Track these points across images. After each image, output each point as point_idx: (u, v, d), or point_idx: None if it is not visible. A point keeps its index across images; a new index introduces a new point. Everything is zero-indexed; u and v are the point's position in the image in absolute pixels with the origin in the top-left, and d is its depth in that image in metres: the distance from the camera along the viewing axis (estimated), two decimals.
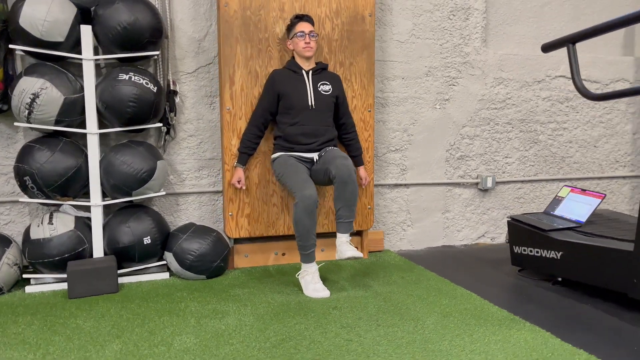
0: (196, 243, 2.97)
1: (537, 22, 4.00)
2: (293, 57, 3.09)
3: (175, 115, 3.25)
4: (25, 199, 2.87)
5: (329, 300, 2.61)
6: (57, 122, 2.85)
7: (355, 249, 2.72)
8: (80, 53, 2.95)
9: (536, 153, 4.01)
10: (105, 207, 3.17)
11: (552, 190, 4.08)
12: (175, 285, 2.89)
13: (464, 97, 3.80)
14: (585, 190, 3.03)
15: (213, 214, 3.42)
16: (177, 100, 3.24)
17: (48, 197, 2.88)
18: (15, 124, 2.81)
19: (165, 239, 3.07)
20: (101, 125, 3.09)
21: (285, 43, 3.16)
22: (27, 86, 2.76)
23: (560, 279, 2.87)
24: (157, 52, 3.02)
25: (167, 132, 3.25)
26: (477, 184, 3.88)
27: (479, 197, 3.91)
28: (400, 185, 3.72)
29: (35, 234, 2.83)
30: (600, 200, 2.89)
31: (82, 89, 2.90)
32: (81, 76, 3.01)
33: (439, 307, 2.50)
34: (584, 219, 2.88)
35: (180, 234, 3.02)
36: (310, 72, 3.03)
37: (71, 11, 2.83)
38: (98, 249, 2.96)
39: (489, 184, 3.84)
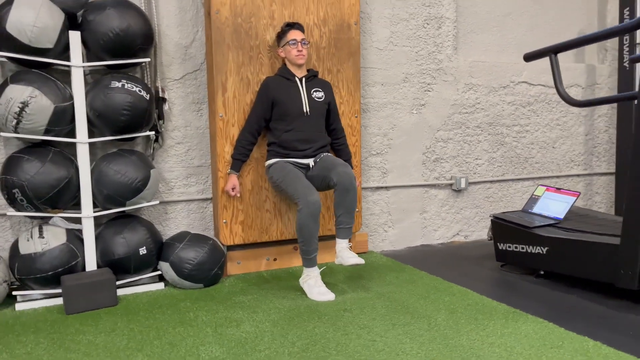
0: (193, 251, 2.95)
1: (500, 30, 4.25)
2: (284, 65, 3.12)
3: (163, 123, 3.20)
4: (12, 212, 2.74)
5: (336, 303, 2.68)
6: (47, 132, 2.74)
7: (356, 255, 2.81)
8: (67, 59, 2.86)
9: (503, 154, 4.26)
10: (94, 218, 3.08)
11: (517, 189, 4.35)
12: (175, 295, 2.86)
13: (438, 102, 3.98)
14: (559, 189, 3.27)
15: (202, 221, 3.40)
16: (166, 107, 3.19)
17: (38, 210, 2.77)
18: (2, 134, 2.68)
19: (159, 249, 3.02)
20: (89, 134, 3.00)
21: (275, 50, 3.19)
22: (14, 94, 2.64)
23: (542, 272, 3.08)
24: (148, 59, 2.97)
25: (156, 140, 3.20)
26: (451, 184, 4.07)
27: (453, 197, 4.10)
28: (382, 187, 3.84)
29: (25, 249, 2.71)
30: (575, 198, 3.13)
31: (71, 97, 2.81)
32: (68, 83, 2.91)
33: (443, 304, 2.62)
34: (561, 216, 3.11)
35: (177, 243, 2.99)
36: (304, 79, 3.08)
37: (59, 17, 2.73)
38: (91, 262, 2.88)
39: (463, 184, 4.04)
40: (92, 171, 2.88)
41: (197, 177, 3.36)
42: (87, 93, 2.85)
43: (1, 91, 2.66)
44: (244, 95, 3.14)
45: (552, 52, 2.77)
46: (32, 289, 2.76)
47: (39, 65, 2.81)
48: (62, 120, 2.77)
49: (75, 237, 2.87)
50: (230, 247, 3.27)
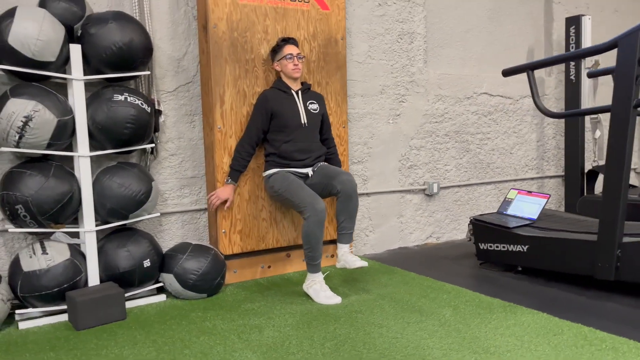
0: (197, 262, 2.99)
1: (463, 45, 4.56)
2: (279, 78, 3.23)
3: (158, 135, 3.22)
4: (13, 228, 2.68)
5: (344, 305, 2.82)
6: (49, 146, 2.70)
7: (359, 258, 2.96)
8: (64, 72, 2.82)
9: (468, 160, 4.56)
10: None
11: (481, 193, 4.67)
12: (181, 306, 2.88)
13: (412, 112, 4.22)
14: (530, 192, 3.59)
15: (196, 232, 3.43)
16: (162, 119, 3.21)
17: (41, 226, 2.71)
18: (2, 149, 2.62)
19: (161, 261, 3.03)
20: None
21: (269, 64, 3.30)
22: (16, 108, 2.59)
23: (520, 269, 3.37)
24: (148, 72, 2.99)
25: (151, 152, 3.21)
26: (424, 190, 4.32)
27: (425, 201, 4.35)
28: (363, 194, 4.02)
29: (29, 266, 2.65)
30: (546, 199, 3.45)
31: (71, 110, 2.78)
32: (64, 96, 2.87)
33: (443, 302, 2.83)
34: (535, 217, 3.42)
35: (179, 254, 3.01)
36: (300, 92, 3.21)
37: (61, 30, 2.71)
38: (94, 277, 2.85)
39: (435, 189, 4.30)
40: (94, 185, 2.86)
41: (190, 188, 3.40)
42: (87, 106, 2.83)
43: (2, 105, 2.60)
44: (241, 108, 3.22)
45: (529, 68, 3.06)
46: (35, 306, 2.70)
47: (38, 78, 2.77)
48: (64, 134, 2.74)
49: (78, 252, 2.83)
50: (227, 256, 3.32)
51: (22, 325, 2.65)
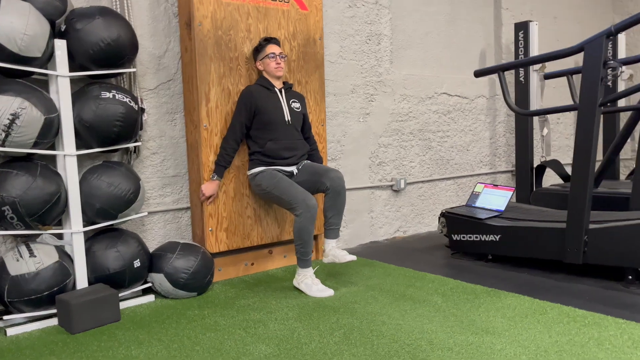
0: (188, 261, 2.97)
1: (423, 47, 4.77)
2: (262, 76, 3.27)
3: (141, 133, 3.17)
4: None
5: (338, 297, 2.91)
6: (35, 145, 2.61)
7: (347, 253, 3.05)
8: (48, 69, 2.73)
9: (430, 157, 4.78)
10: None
11: (442, 188, 4.90)
12: (173, 306, 2.87)
13: (380, 111, 4.37)
14: (496, 185, 3.83)
15: (178, 231, 3.40)
16: (145, 117, 3.17)
17: (28, 227, 2.61)
18: None
19: (150, 261, 2.99)
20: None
21: (252, 62, 3.32)
22: (2, 106, 2.48)
23: (490, 257, 3.60)
24: (134, 69, 2.94)
25: (134, 151, 3.16)
26: (392, 186, 4.49)
27: (393, 197, 4.52)
28: None
29: (16, 270, 2.55)
30: (512, 192, 3.70)
31: (57, 107, 2.70)
32: (48, 93, 2.77)
33: (431, 289, 2.98)
34: (503, 208, 3.66)
35: (169, 254, 2.99)
36: (283, 90, 3.26)
37: (46, 24, 2.62)
38: (82, 279, 2.78)
39: (402, 185, 4.48)
40: (81, 184, 2.78)
41: (172, 187, 3.36)
42: (72, 104, 2.75)
43: None
44: (226, 106, 3.23)
45: (500, 70, 3.28)
46: (22, 311, 2.60)
47: (20, 75, 2.66)
48: (50, 132, 2.65)
49: (65, 254, 2.75)
50: (213, 254, 3.32)
51: (10, 331, 2.55)
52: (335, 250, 3.08)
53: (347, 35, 4.13)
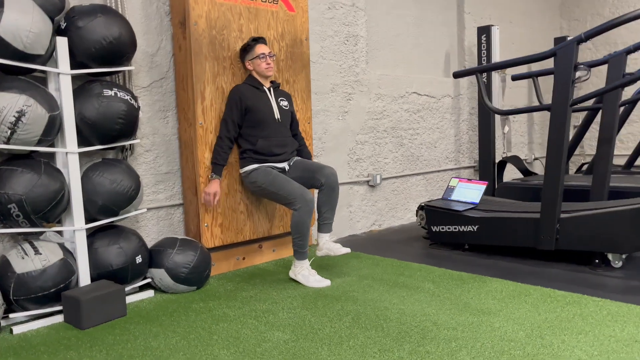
0: (188, 256, 3.04)
1: (394, 48, 4.99)
2: (251, 75, 3.36)
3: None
4: (3, 229, 2.55)
5: (335, 287, 3.05)
6: (39, 142, 2.61)
7: (341, 246, 3.20)
8: (49, 66, 2.73)
9: (402, 154, 5.01)
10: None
11: (412, 183, 5.14)
12: (175, 300, 2.93)
13: (357, 109, 4.55)
14: (470, 179, 4.09)
15: (170, 227, 3.45)
16: (141, 115, 3.20)
17: (34, 225, 2.61)
18: None
19: (149, 257, 3.04)
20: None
21: (242, 63, 3.41)
22: (7, 103, 2.48)
23: (467, 246, 3.85)
24: (133, 67, 2.97)
25: (129, 148, 3.18)
26: (368, 181, 4.68)
27: (369, 192, 4.71)
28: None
29: (22, 267, 2.55)
30: (485, 186, 3.96)
31: (59, 105, 2.70)
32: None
33: (420, 277, 3.18)
34: (477, 201, 3.91)
35: (169, 249, 3.04)
36: (272, 89, 3.37)
37: (49, 22, 2.63)
38: (85, 275, 2.79)
39: (378, 180, 4.68)
40: (83, 182, 2.80)
41: (165, 184, 3.41)
42: (73, 101, 2.76)
43: None
44: (220, 104, 3.31)
45: (478, 71, 3.53)
46: (27, 309, 2.60)
47: (22, 72, 2.65)
48: (53, 129, 2.66)
49: (68, 251, 2.76)
50: (208, 250, 3.38)
51: (17, 330, 2.54)
52: (329, 244, 3.22)
53: (327, 36, 4.27)
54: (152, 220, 3.36)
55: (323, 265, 3.53)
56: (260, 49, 3.28)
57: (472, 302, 2.70)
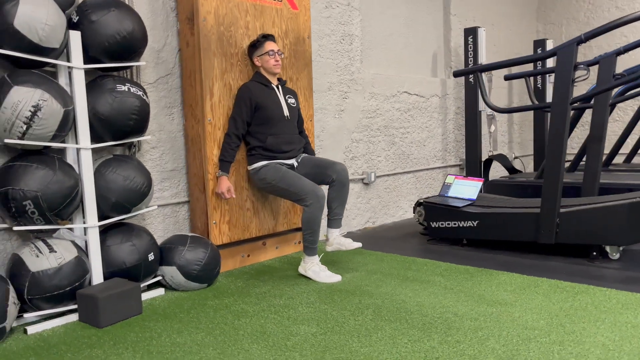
0: (199, 253, 3.02)
1: (386, 48, 5.06)
2: (258, 72, 3.37)
3: None
4: (17, 227, 2.49)
5: (346, 282, 3.09)
6: (54, 137, 2.56)
7: (352, 240, 3.24)
8: (61, 60, 2.67)
9: (394, 152, 5.08)
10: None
11: (403, 181, 5.22)
12: (188, 297, 2.90)
13: (352, 108, 4.59)
14: (466, 176, 4.18)
15: (176, 225, 3.42)
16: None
17: (48, 222, 2.55)
18: (7, 141, 2.42)
19: (160, 254, 3.00)
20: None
21: (249, 59, 3.41)
22: (22, 97, 2.42)
23: (465, 242, 3.94)
24: (144, 63, 2.94)
25: (135, 145, 3.14)
26: (363, 179, 4.73)
27: (364, 189, 4.76)
28: None
29: (37, 266, 2.49)
30: (481, 183, 4.06)
31: (72, 100, 2.65)
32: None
33: (428, 271, 3.24)
34: (474, 197, 4.01)
35: (180, 247, 3.02)
36: (280, 87, 3.38)
37: (63, 15, 2.58)
38: (97, 273, 2.74)
39: (372, 178, 4.73)
40: (96, 178, 2.75)
41: (170, 181, 3.37)
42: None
43: (4, 94, 2.40)
44: (227, 101, 3.30)
45: (478, 70, 3.62)
46: (41, 309, 2.54)
47: (35, 66, 2.58)
48: (67, 124, 2.61)
49: (81, 249, 2.71)
50: None
51: (31, 330, 2.48)
52: (340, 239, 3.25)
53: (324, 35, 4.31)
54: (158, 217, 3.32)
55: (328, 261, 3.55)
56: (270, 45, 3.29)
57: (486, 294, 2.77)
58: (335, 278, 3.13)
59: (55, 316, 2.62)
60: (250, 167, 3.32)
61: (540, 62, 6.07)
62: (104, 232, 2.85)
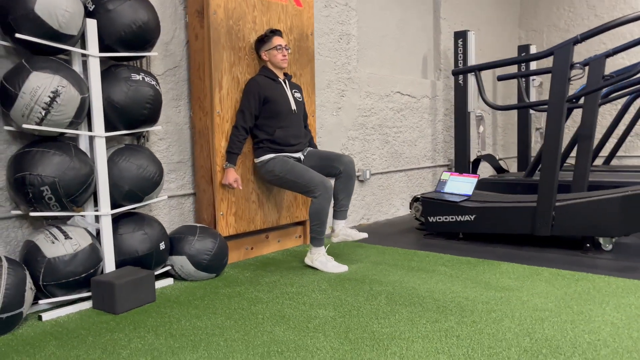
0: (209, 243, 3.04)
1: (380, 48, 5.17)
2: (265, 66, 3.42)
3: None
4: (34, 212, 2.48)
5: (353, 272, 3.15)
6: (70, 124, 2.56)
7: (357, 231, 3.30)
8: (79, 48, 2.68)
9: (387, 151, 5.18)
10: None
11: (396, 179, 5.31)
12: (199, 286, 2.92)
13: (349, 106, 4.68)
14: (461, 173, 4.30)
15: (182, 216, 3.43)
16: None
17: (64, 209, 2.55)
18: (25, 126, 2.42)
19: (171, 244, 3.02)
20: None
21: (257, 53, 3.46)
22: (41, 83, 2.42)
23: (462, 235, 4.05)
24: (156, 53, 2.96)
25: (143, 135, 3.15)
26: (358, 176, 4.80)
27: (359, 187, 4.84)
28: None
29: (53, 252, 2.48)
30: (476, 179, 4.18)
31: (88, 87, 2.66)
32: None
33: (431, 262, 3.33)
34: (470, 193, 4.13)
35: (190, 237, 3.04)
36: (287, 81, 3.44)
37: (80, 3, 2.59)
38: (110, 261, 2.75)
39: (367, 176, 4.82)
40: (109, 167, 2.76)
41: (176, 173, 3.39)
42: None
43: (22, 79, 2.40)
44: (235, 93, 3.34)
45: (477, 69, 3.74)
46: (55, 295, 2.53)
47: (49, 52, 2.59)
48: (83, 111, 2.62)
49: (94, 236, 2.71)
50: None
51: (45, 316, 2.47)
52: (346, 230, 3.31)
53: (323, 33, 4.38)
54: (164, 209, 3.33)
55: (331, 254, 3.60)
56: (278, 40, 3.34)
57: (492, 281, 2.87)
58: (342, 268, 3.19)
59: (68, 303, 2.62)
60: (257, 160, 3.36)
61: (524, 64, 6.27)
62: (116, 220, 2.86)
